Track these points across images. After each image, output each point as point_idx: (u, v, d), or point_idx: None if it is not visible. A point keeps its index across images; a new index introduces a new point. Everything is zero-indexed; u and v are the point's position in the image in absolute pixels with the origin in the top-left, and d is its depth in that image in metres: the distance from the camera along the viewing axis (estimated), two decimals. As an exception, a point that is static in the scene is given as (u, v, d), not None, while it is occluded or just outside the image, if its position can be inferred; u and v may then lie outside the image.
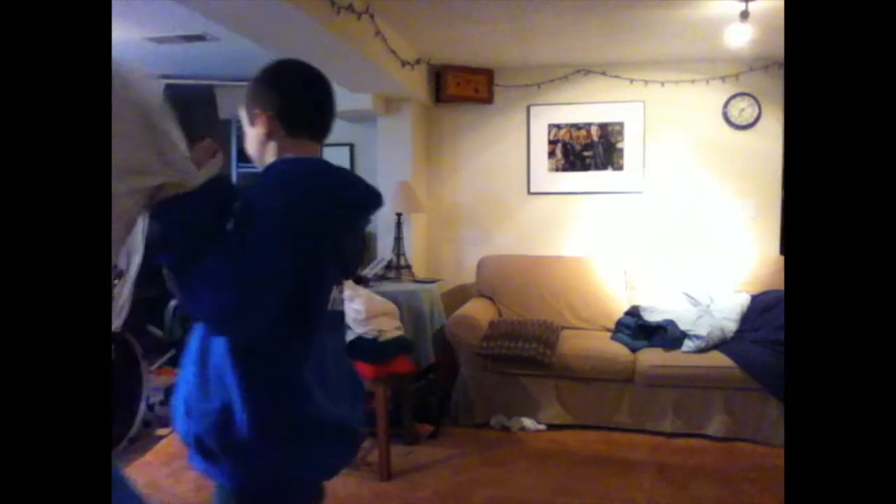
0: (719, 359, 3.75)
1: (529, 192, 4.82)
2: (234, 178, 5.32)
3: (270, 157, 1.42)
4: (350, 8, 2.97)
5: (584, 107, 4.71)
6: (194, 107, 5.63)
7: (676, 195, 4.63)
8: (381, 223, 4.63)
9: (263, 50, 3.29)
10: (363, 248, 1.54)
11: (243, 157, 5.27)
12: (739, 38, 3.39)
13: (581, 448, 3.61)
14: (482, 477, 3.24)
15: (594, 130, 4.71)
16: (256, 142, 1.43)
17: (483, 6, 3.35)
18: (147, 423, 3.77)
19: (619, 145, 4.69)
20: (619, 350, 3.91)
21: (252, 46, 3.30)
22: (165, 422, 3.94)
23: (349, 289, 3.42)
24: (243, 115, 1.47)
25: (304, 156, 1.42)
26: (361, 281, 4.00)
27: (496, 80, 4.74)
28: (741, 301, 4.11)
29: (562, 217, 4.81)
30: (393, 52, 3.67)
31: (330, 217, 1.34)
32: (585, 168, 4.74)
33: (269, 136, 1.41)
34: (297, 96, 1.43)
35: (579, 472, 3.28)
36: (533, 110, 4.77)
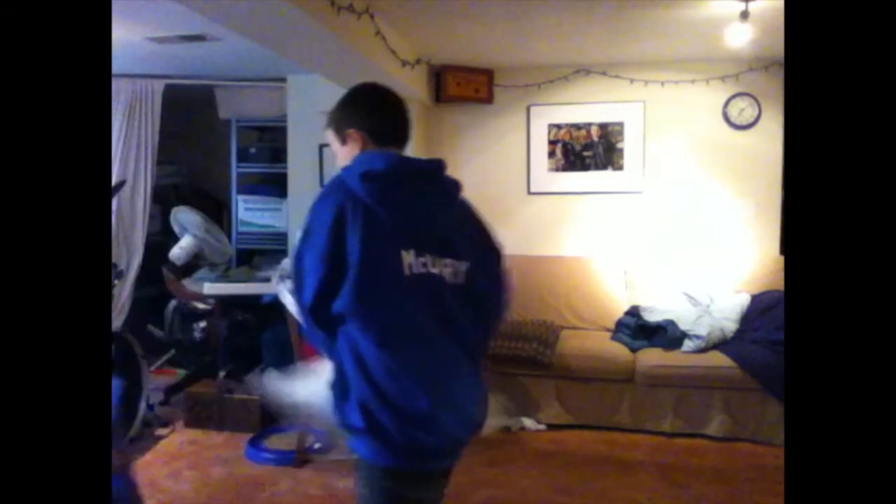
0: (719, 359, 3.75)
1: (529, 192, 4.82)
2: (234, 179, 5.32)
3: None
4: (350, 8, 2.97)
5: (584, 107, 4.70)
6: (194, 107, 5.63)
7: (676, 195, 4.63)
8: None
9: (263, 50, 3.29)
10: (450, 224, 1.59)
11: (243, 156, 5.27)
12: (739, 38, 3.39)
13: (581, 448, 3.61)
14: (482, 477, 3.24)
15: (594, 130, 4.71)
16: (351, 157, 1.62)
17: (483, 6, 3.35)
18: (147, 423, 3.77)
19: (619, 145, 4.68)
20: (619, 350, 3.91)
21: (252, 46, 3.29)
22: (165, 422, 3.95)
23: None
24: (333, 138, 1.68)
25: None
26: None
27: (496, 80, 4.74)
28: (741, 301, 4.11)
29: (562, 217, 4.80)
30: (393, 52, 3.67)
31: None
32: (585, 168, 4.73)
33: (362, 149, 1.62)
34: (380, 111, 1.65)
35: (579, 472, 3.28)
36: (533, 110, 4.77)
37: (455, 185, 1.64)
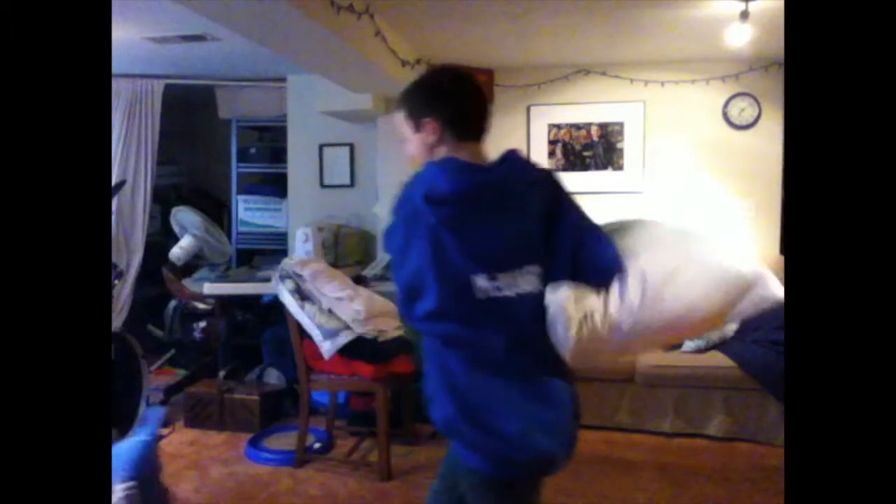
0: (719, 359, 3.74)
1: (529, 192, 4.82)
2: (234, 179, 5.32)
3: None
4: (350, 8, 2.97)
5: (584, 107, 4.70)
6: (194, 107, 5.63)
7: (676, 195, 4.63)
8: (381, 223, 4.62)
9: (263, 50, 3.29)
10: (528, 239, 1.49)
11: (243, 156, 5.27)
12: (739, 38, 3.39)
13: (581, 448, 3.58)
14: (482, 477, 3.24)
15: (594, 130, 4.71)
16: (424, 147, 1.53)
17: (483, 6, 3.35)
18: (147, 423, 3.77)
19: (619, 145, 4.68)
20: (619, 350, 3.91)
21: (252, 46, 3.30)
22: (165, 422, 3.95)
23: (349, 288, 3.42)
24: (405, 124, 1.55)
25: (466, 156, 1.50)
26: (361, 281, 4.00)
27: (496, 80, 4.74)
28: (741, 301, 4.10)
29: (562, 217, 4.80)
30: (393, 52, 3.67)
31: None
32: (585, 168, 4.73)
33: (439, 141, 1.51)
34: (462, 102, 1.53)
35: (579, 472, 3.28)
36: (533, 110, 4.77)
37: (543, 179, 1.53)
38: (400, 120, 1.56)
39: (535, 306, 1.47)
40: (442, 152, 1.51)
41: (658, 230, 1.61)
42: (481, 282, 1.41)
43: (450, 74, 1.57)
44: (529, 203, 1.50)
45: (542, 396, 1.47)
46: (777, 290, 1.49)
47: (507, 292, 1.43)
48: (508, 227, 1.46)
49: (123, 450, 2.11)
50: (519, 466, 1.47)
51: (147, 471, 2.10)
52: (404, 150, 1.58)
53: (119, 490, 2.00)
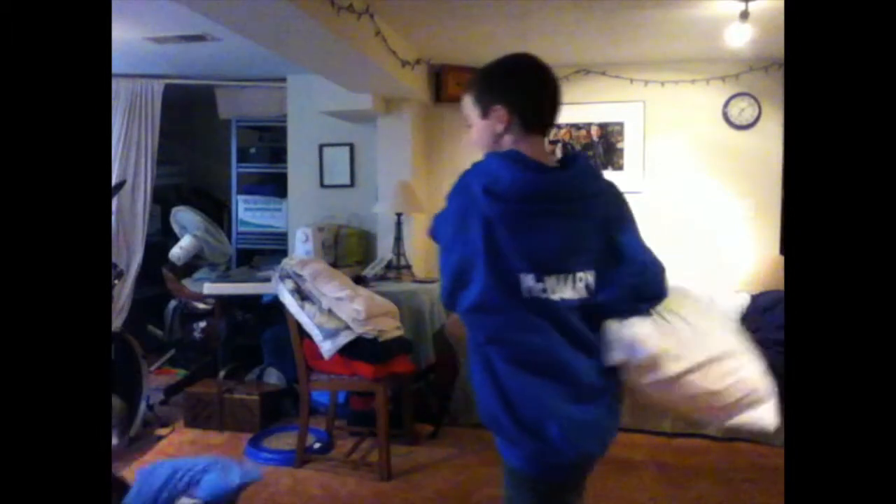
0: (719, 359, 3.74)
1: (529, 192, 4.82)
2: (234, 179, 5.32)
3: (504, 149, 1.49)
4: (350, 8, 2.97)
5: (584, 107, 4.70)
6: (194, 107, 5.63)
7: (676, 195, 4.63)
8: (381, 223, 4.62)
9: (263, 50, 3.29)
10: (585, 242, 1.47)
11: (243, 157, 5.27)
12: (739, 38, 3.39)
13: (581, 448, 3.61)
14: (482, 477, 3.24)
15: (594, 130, 4.71)
16: (489, 135, 1.49)
17: (483, 6, 3.35)
18: (147, 423, 3.77)
19: (619, 145, 4.68)
20: (619, 350, 3.90)
21: (252, 46, 3.30)
22: (165, 422, 3.95)
23: (349, 288, 3.42)
24: (471, 107, 1.51)
25: (530, 149, 1.47)
26: (361, 281, 4.00)
27: (496, 80, 4.74)
28: (741, 301, 4.11)
29: (562, 217, 4.80)
30: (393, 52, 3.67)
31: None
32: (585, 168, 4.73)
33: (506, 130, 1.47)
34: (536, 93, 1.48)
35: (579, 472, 3.28)
36: (533, 110, 4.77)
37: (605, 192, 1.50)
38: (467, 103, 1.52)
39: (580, 313, 1.44)
40: (507, 142, 1.48)
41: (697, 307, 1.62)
42: (529, 281, 1.39)
43: (526, 62, 1.50)
44: (591, 212, 1.47)
45: (585, 398, 1.44)
46: (772, 420, 1.51)
47: (553, 295, 1.41)
48: (565, 232, 1.44)
49: (208, 482, 2.14)
50: (558, 468, 1.45)
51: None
52: (468, 135, 1.54)
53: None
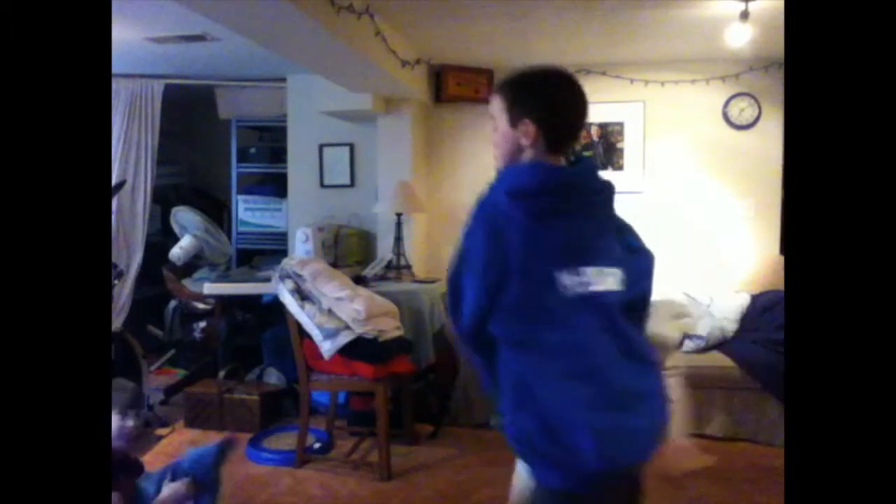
0: (719, 359, 3.75)
1: (529, 192, 4.82)
2: (234, 179, 5.32)
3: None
4: (350, 8, 2.97)
5: (584, 107, 4.70)
6: (194, 107, 5.63)
7: (676, 195, 4.63)
8: (381, 223, 4.62)
9: (263, 50, 3.29)
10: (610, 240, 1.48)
11: (243, 157, 5.27)
12: (739, 38, 3.39)
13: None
14: (482, 477, 3.24)
15: (594, 130, 4.71)
16: (512, 145, 1.48)
17: (483, 6, 3.35)
18: (147, 423, 3.77)
19: (619, 145, 4.68)
20: (619, 350, 3.90)
21: (252, 46, 3.30)
22: (165, 422, 3.95)
23: (349, 288, 3.42)
24: (500, 111, 1.49)
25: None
26: (361, 281, 4.00)
27: (496, 80, 4.73)
28: (741, 301, 4.11)
29: (562, 217, 4.79)
30: (393, 52, 3.67)
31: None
32: (585, 168, 4.73)
33: (531, 146, 1.46)
34: (569, 116, 1.49)
35: (579, 472, 3.28)
36: (533, 110, 4.76)
37: (609, 189, 1.51)
38: (496, 106, 1.50)
39: (622, 305, 1.44)
40: (528, 155, 1.47)
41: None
42: (565, 278, 1.37)
43: (565, 81, 1.51)
44: (604, 207, 1.51)
45: (630, 400, 1.40)
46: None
47: (593, 288, 1.39)
48: (590, 223, 1.45)
49: (189, 453, 2.27)
50: (602, 480, 1.41)
51: (204, 479, 2.20)
52: (491, 135, 1.53)
53: (168, 489, 2.11)
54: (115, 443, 2.04)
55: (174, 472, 2.18)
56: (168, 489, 2.11)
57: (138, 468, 2.15)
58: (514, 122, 1.46)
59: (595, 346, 1.39)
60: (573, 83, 1.50)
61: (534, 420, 1.37)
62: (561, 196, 1.42)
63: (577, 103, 1.49)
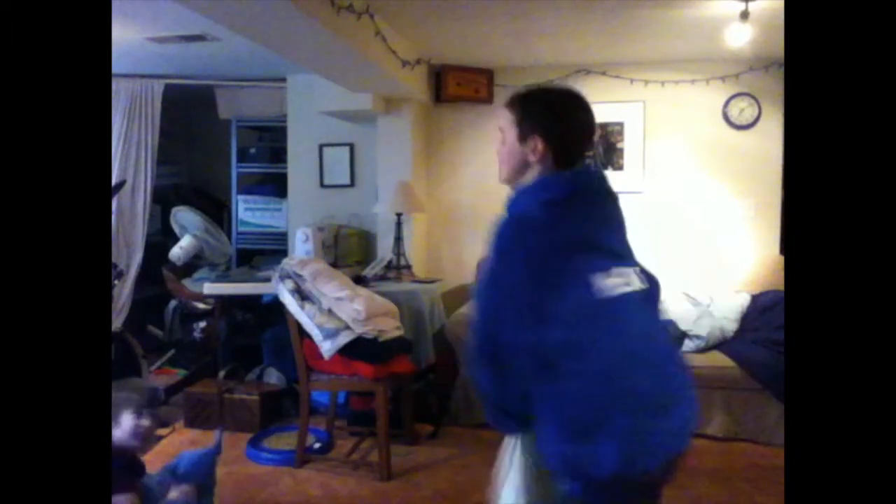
0: (719, 359, 3.75)
1: (529, 192, 4.82)
2: (234, 179, 5.32)
3: (527, 179, 1.49)
4: (350, 8, 2.97)
5: (584, 107, 4.70)
6: (194, 107, 5.63)
7: (676, 195, 4.63)
8: (381, 223, 4.62)
9: (263, 50, 3.29)
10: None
11: (243, 157, 5.27)
12: (739, 38, 3.39)
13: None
14: (482, 477, 3.23)
15: (594, 130, 4.71)
16: (518, 160, 1.49)
17: (483, 6, 3.35)
18: (162, 424, 3.77)
19: (619, 145, 4.68)
20: (619, 350, 3.91)
21: (252, 46, 3.30)
22: (165, 422, 3.94)
23: (349, 288, 3.42)
24: (509, 124, 1.50)
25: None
26: (361, 281, 4.00)
27: (496, 80, 4.74)
28: (741, 301, 4.11)
29: (562, 217, 4.79)
30: (393, 52, 3.67)
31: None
32: (585, 168, 4.73)
33: (538, 161, 1.47)
34: (580, 137, 1.50)
35: (579, 472, 3.28)
36: (533, 110, 4.76)
37: (613, 189, 1.55)
38: (505, 119, 1.51)
39: (648, 303, 1.46)
40: (534, 171, 1.48)
41: None
42: (600, 280, 1.37)
43: (577, 102, 1.51)
44: (617, 209, 1.54)
45: (667, 400, 1.41)
46: None
47: (625, 289, 1.40)
48: (613, 224, 1.50)
49: (186, 457, 2.31)
50: (639, 480, 1.40)
51: (205, 481, 2.27)
52: (496, 146, 1.54)
53: (176, 492, 2.16)
54: (130, 442, 2.05)
55: (172, 475, 2.22)
56: (176, 491, 2.15)
57: (142, 469, 2.17)
58: (522, 137, 1.47)
59: (633, 347, 1.39)
60: (584, 104, 1.51)
61: (572, 435, 1.35)
62: (587, 199, 1.45)
63: (587, 123, 1.51)
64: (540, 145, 1.45)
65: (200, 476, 2.24)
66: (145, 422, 2.05)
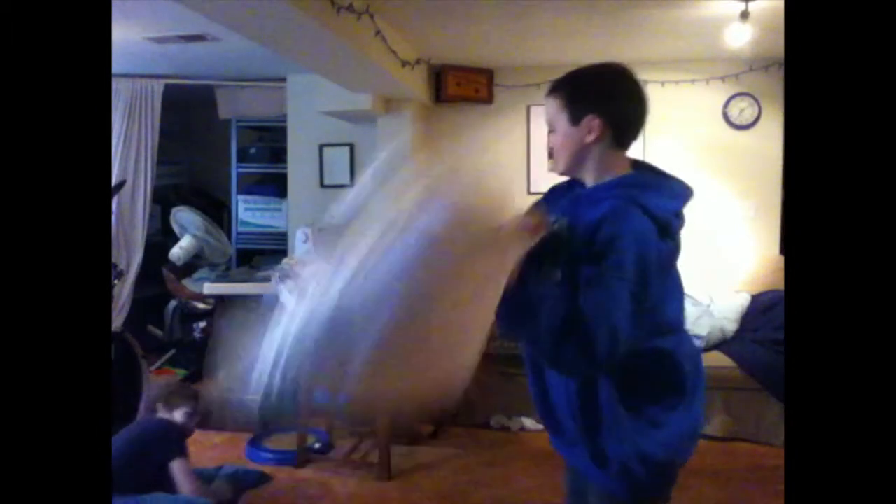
0: (719, 359, 3.74)
1: (529, 192, 4.81)
2: (234, 179, 5.32)
3: (589, 164, 1.42)
4: (350, 8, 2.97)
5: (585, 107, 4.70)
6: (194, 107, 5.63)
7: (676, 195, 4.63)
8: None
9: (263, 50, 3.29)
10: None
11: (243, 157, 5.27)
12: (739, 38, 3.39)
13: (581, 448, 3.61)
14: (482, 477, 3.24)
15: (594, 130, 4.71)
16: (576, 144, 1.39)
17: (483, 6, 3.35)
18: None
19: (619, 145, 4.68)
20: (619, 350, 3.91)
21: (252, 46, 3.29)
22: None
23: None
24: (557, 111, 1.40)
25: (621, 167, 1.44)
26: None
27: (496, 80, 4.74)
28: (741, 301, 4.11)
29: (562, 217, 4.79)
30: (393, 52, 3.67)
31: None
32: (585, 168, 4.73)
33: (596, 141, 1.38)
34: (636, 110, 1.41)
35: (579, 472, 3.28)
36: (533, 110, 4.76)
37: None
38: (551, 107, 1.41)
39: None
40: (594, 155, 1.39)
41: None
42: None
43: (628, 74, 1.41)
44: None
45: (690, 398, 1.53)
46: None
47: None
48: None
49: (226, 466, 3.01)
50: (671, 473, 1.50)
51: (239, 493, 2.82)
52: (549, 142, 1.44)
53: (224, 483, 2.81)
54: (189, 423, 2.82)
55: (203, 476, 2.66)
56: (219, 482, 2.66)
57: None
58: (575, 119, 1.37)
59: (685, 347, 1.55)
60: (631, 74, 1.42)
61: (631, 438, 1.40)
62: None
63: (639, 93, 1.41)
64: (596, 122, 1.36)
65: (236, 488, 2.69)
66: (192, 425, 2.83)
